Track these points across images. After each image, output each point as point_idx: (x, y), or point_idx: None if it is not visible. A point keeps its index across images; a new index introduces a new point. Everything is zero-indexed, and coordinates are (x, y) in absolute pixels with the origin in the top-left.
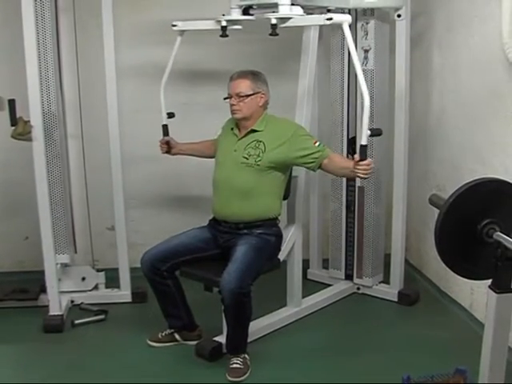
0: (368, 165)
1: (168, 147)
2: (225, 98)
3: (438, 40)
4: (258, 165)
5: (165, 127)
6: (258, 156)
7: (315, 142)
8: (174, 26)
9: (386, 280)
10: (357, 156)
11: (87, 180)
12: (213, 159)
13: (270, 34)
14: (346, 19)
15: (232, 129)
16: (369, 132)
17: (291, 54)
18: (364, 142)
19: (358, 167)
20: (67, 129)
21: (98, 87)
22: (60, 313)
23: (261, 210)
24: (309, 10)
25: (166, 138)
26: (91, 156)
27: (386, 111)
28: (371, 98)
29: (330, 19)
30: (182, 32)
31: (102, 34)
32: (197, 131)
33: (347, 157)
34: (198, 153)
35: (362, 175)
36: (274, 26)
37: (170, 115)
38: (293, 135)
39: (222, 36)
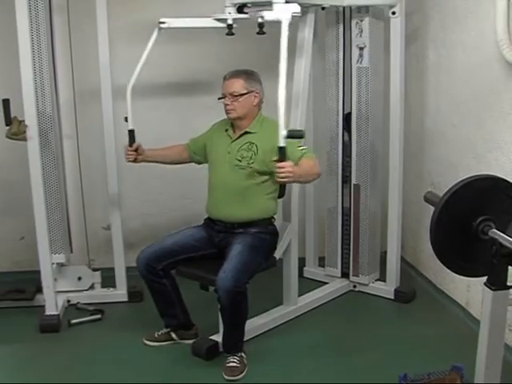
0: (283, 167)
1: (137, 154)
2: (219, 98)
3: (432, 37)
4: (250, 167)
5: (131, 133)
6: (251, 158)
7: (299, 146)
8: (162, 23)
9: (383, 278)
10: (275, 157)
11: (82, 180)
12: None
13: (258, 33)
14: (284, 17)
15: (226, 130)
16: (285, 133)
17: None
18: (281, 144)
19: (276, 169)
20: (62, 128)
21: (92, 87)
22: (56, 312)
23: (256, 211)
24: (304, 8)
25: (135, 144)
26: (86, 156)
27: (381, 109)
28: (366, 95)
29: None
30: (161, 29)
31: (96, 34)
32: (189, 131)
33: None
34: (168, 159)
35: (278, 178)
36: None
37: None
38: None
39: (228, 34)
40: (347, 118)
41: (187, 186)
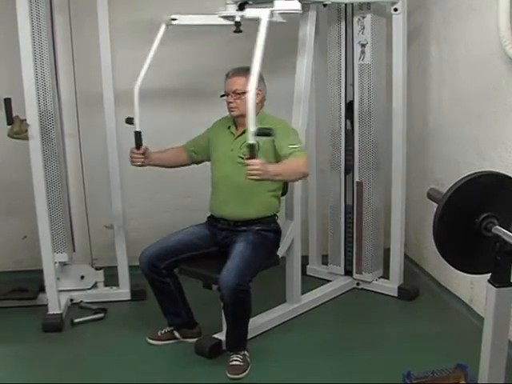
0: (250, 164)
1: (144, 158)
2: (221, 96)
3: (435, 34)
4: None
5: (138, 135)
6: None
7: (291, 144)
8: (174, 19)
9: (386, 275)
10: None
11: (85, 178)
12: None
13: (234, 32)
14: (263, 15)
15: (229, 127)
16: (254, 130)
17: (288, 49)
18: (250, 141)
19: (245, 166)
20: (64, 127)
21: (94, 85)
22: (59, 312)
23: (259, 208)
24: (305, 5)
25: (143, 147)
26: (88, 154)
27: (384, 106)
28: (368, 93)
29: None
30: (169, 25)
31: (97, 33)
32: (190, 130)
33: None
34: (167, 163)
35: (247, 174)
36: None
37: (129, 121)
38: (279, 133)
39: (235, 32)
40: (349, 116)
41: (190, 184)
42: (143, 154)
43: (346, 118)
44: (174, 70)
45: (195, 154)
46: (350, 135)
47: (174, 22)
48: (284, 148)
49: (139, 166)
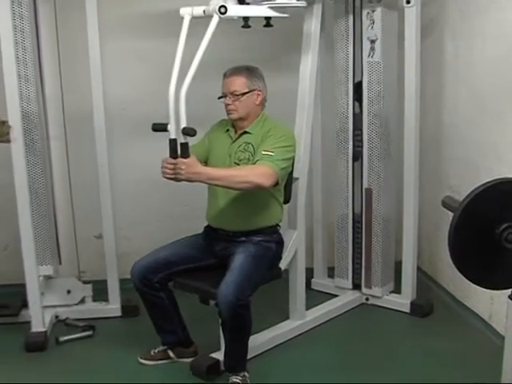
0: (169, 163)
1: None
2: (219, 98)
3: (451, 28)
4: None
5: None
6: (248, 160)
7: (268, 151)
8: (223, 8)
9: (397, 289)
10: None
11: (72, 184)
12: None
13: (265, 26)
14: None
15: (227, 130)
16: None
17: (291, 46)
18: (171, 136)
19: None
20: (49, 129)
21: (81, 84)
22: (43, 329)
23: (260, 218)
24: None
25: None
26: (76, 158)
27: (395, 106)
28: (378, 92)
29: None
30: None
31: (85, 27)
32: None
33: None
34: None
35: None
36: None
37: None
38: (267, 138)
39: (244, 27)
40: (357, 118)
41: (185, 192)
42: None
43: (353, 120)
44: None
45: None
46: (358, 138)
47: (223, 15)
48: (258, 153)
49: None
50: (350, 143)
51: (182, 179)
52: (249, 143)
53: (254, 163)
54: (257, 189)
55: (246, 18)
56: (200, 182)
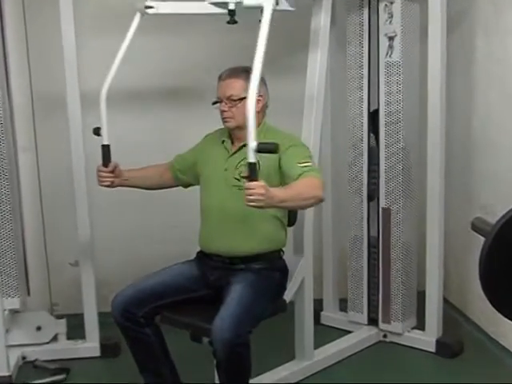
0: (251, 188)
1: (113, 177)
2: (213, 103)
3: (482, 23)
4: None
5: (106, 149)
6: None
7: (300, 162)
8: (149, 7)
9: (421, 325)
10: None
11: (43, 202)
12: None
13: (228, 22)
14: (266, 2)
15: (223, 141)
16: (255, 146)
17: (297, 44)
18: (250, 159)
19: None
20: (17, 138)
21: (55, 88)
22: (8, 373)
23: (261, 242)
24: None
25: (112, 164)
26: (48, 172)
27: (417, 114)
28: (397, 97)
29: None
30: (144, 15)
31: (58, 23)
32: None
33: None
34: (147, 182)
35: (247, 200)
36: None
37: (97, 132)
38: (286, 149)
39: (229, 22)
40: (374, 124)
41: (175, 212)
42: (112, 171)
43: (369, 126)
44: (153, 68)
45: (181, 175)
46: (374, 151)
47: (149, 11)
48: (293, 168)
49: (108, 186)
50: (365, 155)
51: (262, 206)
52: None
53: (296, 179)
54: (318, 203)
55: (231, 13)
56: (272, 206)
